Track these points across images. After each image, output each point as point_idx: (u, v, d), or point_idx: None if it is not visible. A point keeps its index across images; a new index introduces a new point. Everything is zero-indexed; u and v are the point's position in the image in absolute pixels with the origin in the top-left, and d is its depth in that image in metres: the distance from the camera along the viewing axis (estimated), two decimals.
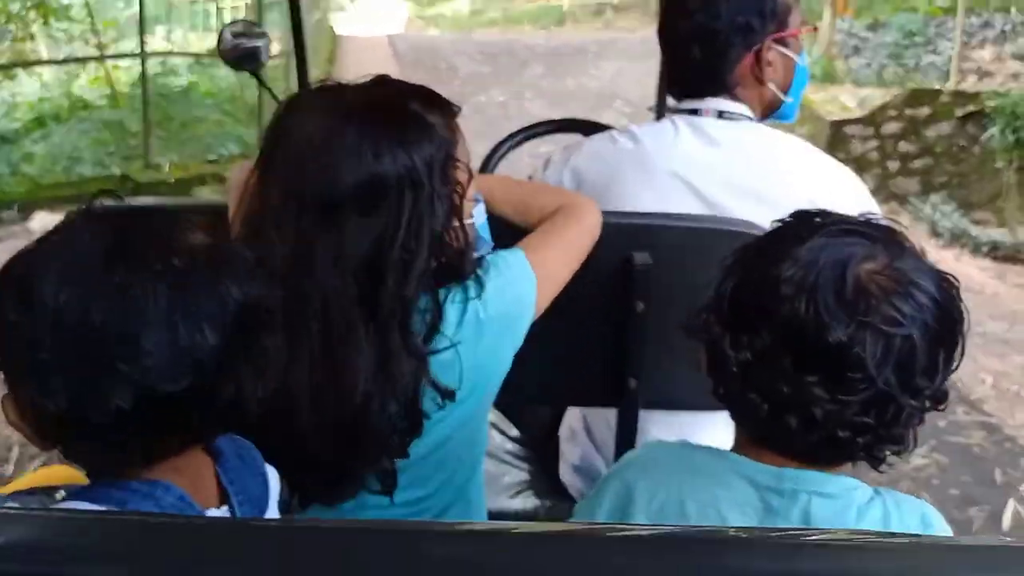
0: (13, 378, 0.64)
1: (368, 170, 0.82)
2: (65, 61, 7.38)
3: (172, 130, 6.45)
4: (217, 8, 6.96)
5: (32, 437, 0.66)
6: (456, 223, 0.90)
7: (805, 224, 0.76)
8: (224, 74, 7.33)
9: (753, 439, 0.78)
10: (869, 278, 0.69)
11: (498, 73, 12.39)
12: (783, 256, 0.71)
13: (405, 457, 0.91)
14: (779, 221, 0.79)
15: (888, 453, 0.74)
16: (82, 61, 7.41)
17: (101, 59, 7.06)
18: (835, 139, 6.86)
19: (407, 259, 0.84)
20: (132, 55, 6.79)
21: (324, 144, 0.82)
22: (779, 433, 0.74)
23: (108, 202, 1.16)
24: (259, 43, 1.71)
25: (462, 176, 0.90)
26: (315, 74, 8.98)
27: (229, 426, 0.72)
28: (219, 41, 1.70)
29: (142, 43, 6.03)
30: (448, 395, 0.88)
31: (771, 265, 0.72)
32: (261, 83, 1.79)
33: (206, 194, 5.41)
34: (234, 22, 1.84)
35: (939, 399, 0.73)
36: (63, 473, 1.26)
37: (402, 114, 0.86)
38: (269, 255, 0.81)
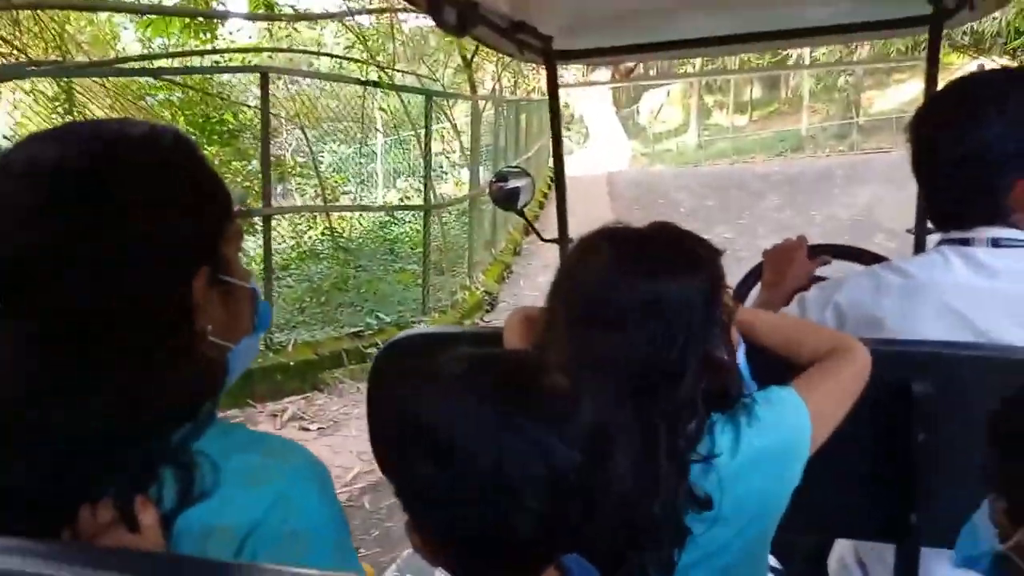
0: (421, 516, 0.78)
1: (647, 289, 1.01)
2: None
3: (348, 289, 6.54)
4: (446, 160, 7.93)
5: (430, 558, 0.83)
6: (728, 345, 1.05)
7: None
8: (444, 221, 8.32)
9: None
10: None
11: (726, 207, 12.66)
12: None
13: (671, 572, 1.00)
14: None
15: None
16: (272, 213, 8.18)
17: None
18: None
19: (678, 369, 1.00)
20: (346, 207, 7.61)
21: (603, 270, 1.04)
22: None
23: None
24: (520, 184, 2.15)
25: (730, 300, 1.08)
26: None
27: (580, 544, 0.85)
28: (489, 185, 2.18)
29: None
30: (705, 505, 1.00)
31: None
32: (524, 219, 2.18)
33: (341, 373, 5.35)
34: (505, 168, 2.28)
35: None
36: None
37: (678, 246, 1.08)
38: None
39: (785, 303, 1.58)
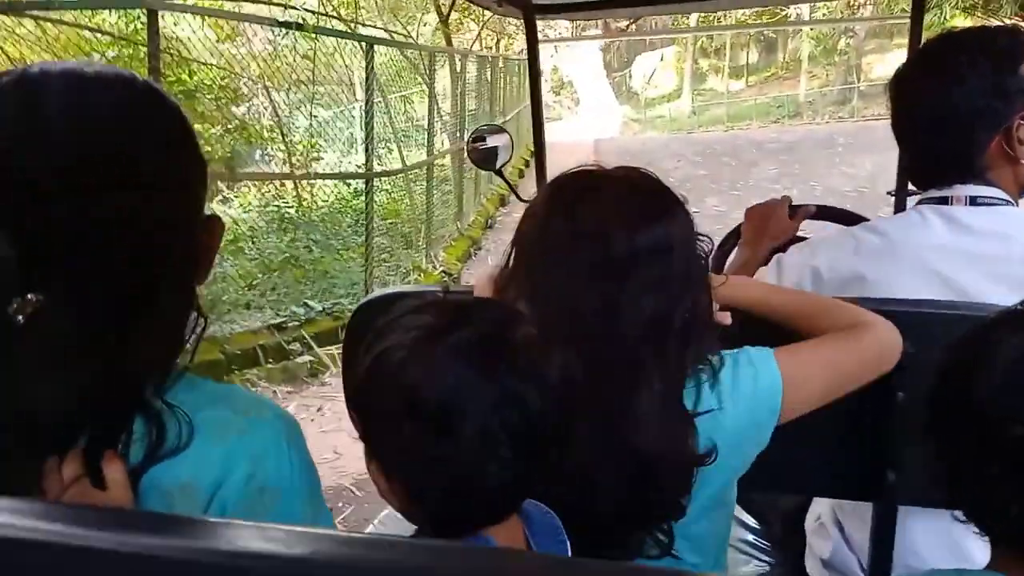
0: (396, 469, 0.81)
1: (658, 232, 0.99)
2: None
3: (303, 265, 5.99)
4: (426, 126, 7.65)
5: (393, 501, 0.85)
6: (710, 297, 1.05)
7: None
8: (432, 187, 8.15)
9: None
10: None
11: (717, 177, 12.61)
12: (982, 356, 0.78)
13: (682, 515, 1.01)
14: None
15: None
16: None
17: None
18: None
19: (690, 317, 0.99)
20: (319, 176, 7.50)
21: (612, 215, 1.00)
22: None
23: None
24: (499, 143, 2.11)
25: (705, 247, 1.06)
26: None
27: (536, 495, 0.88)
28: (466, 145, 2.14)
29: None
30: (704, 458, 1.00)
31: (968, 366, 0.79)
32: (503, 179, 2.16)
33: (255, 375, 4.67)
34: (481, 127, 2.23)
35: None
36: None
37: (662, 190, 1.04)
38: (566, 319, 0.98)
39: (764, 262, 1.61)
